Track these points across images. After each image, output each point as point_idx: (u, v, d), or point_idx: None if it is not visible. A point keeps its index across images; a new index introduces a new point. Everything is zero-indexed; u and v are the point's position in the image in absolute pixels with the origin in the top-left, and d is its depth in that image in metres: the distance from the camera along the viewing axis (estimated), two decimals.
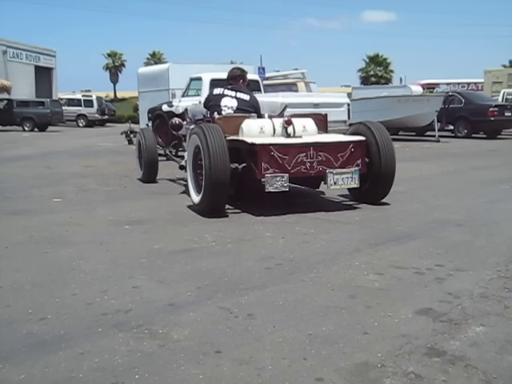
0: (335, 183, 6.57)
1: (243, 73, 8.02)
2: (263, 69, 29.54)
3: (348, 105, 14.80)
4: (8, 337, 3.14)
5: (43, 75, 45.57)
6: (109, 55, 76.36)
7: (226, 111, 7.39)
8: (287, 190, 6.40)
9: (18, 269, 4.46)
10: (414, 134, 22.80)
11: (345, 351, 2.92)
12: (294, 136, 6.87)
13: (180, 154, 9.33)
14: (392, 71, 65.26)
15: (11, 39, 42.78)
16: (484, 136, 21.68)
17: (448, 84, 34.30)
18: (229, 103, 7.48)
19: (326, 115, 8.07)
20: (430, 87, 32.60)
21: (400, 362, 2.79)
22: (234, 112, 7.39)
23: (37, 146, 18.92)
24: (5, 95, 33.65)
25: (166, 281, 4.10)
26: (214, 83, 15.35)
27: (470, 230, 5.71)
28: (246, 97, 7.63)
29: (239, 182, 6.78)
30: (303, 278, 4.16)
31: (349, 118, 14.76)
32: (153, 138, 9.37)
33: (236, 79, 7.90)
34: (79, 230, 5.89)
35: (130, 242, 5.30)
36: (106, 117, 40.30)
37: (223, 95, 7.57)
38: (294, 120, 7.03)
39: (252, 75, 18.26)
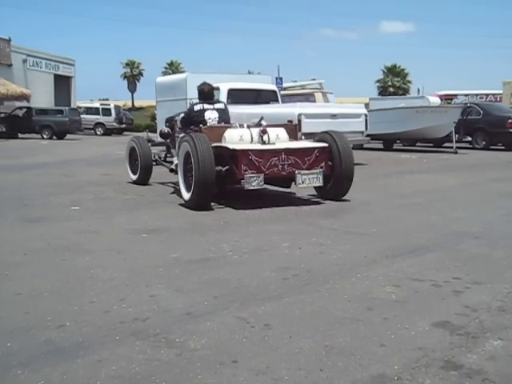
0: (303, 182, 7.75)
1: (213, 87, 9.35)
2: (281, 79, 29.51)
3: (366, 115, 14.76)
4: (27, 343, 3.17)
5: (62, 84, 45.93)
6: (127, 64, 76.77)
7: (210, 123, 8.52)
8: (263, 187, 7.72)
9: (37, 276, 4.50)
10: (431, 145, 22.70)
11: (361, 363, 2.92)
12: (268, 143, 7.98)
13: (168, 159, 10.29)
14: (410, 82, 64.99)
15: (31, 48, 43.17)
16: (502, 148, 21.53)
17: (466, 95, 34.16)
18: (211, 115, 8.66)
19: (296, 125, 9.42)
20: (447, 98, 32.47)
21: (417, 375, 2.78)
22: (218, 121, 8.60)
23: (55, 154, 19.07)
24: (24, 103, 33.94)
25: (184, 290, 4.12)
26: (232, 93, 15.47)
27: (487, 243, 5.67)
28: (222, 106, 8.98)
29: (222, 183, 7.79)
30: (320, 288, 4.16)
31: (366, 128, 14.72)
32: (147, 145, 10.35)
33: (210, 94, 9.12)
34: (97, 238, 5.93)
35: (147, 251, 5.33)
36: (123, 125, 40.51)
37: (205, 110, 8.71)
38: (268, 129, 8.16)
39: (269, 85, 18.34)
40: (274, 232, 6.14)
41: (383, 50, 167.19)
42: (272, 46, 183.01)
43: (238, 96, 15.48)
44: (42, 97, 39.62)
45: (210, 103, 8.84)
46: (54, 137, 31.63)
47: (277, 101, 16.36)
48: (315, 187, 8.28)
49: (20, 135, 31.69)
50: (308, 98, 22.51)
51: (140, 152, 10.17)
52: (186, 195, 7.77)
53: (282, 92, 21.89)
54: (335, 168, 8.04)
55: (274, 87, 17.94)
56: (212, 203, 7.75)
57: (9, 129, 30.98)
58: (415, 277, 4.44)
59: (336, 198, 8.22)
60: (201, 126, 8.21)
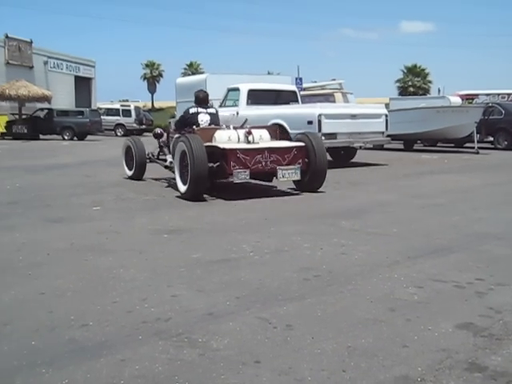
0: (283, 176, 8.84)
1: (207, 94, 10.26)
2: (300, 79, 29.52)
3: (386, 116, 14.67)
4: (51, 342, 3.20)
5: (83, 85, 46.31)
6: (147, 65, 77.16)
7: (202, 125, 9.63)
8: (249, 181, 8.88)
9: (60, 276, 4.54)
10: (452, 145, 22.53)
11: (384, 364, 2.91)
12: (253, 142, 9.02)
13: (161, 157, 11.25)
14: (430, 82, 64.60)
15: (52, 50, 43.59)
16: None
17: (487, 95, 33.80)
18: (204, 118, 9.77)
19: (277, 127, 10.68)
20: (469, 98, 32.15)
21: (440, 377, 2.76)
22: (209, 124, 9.70)
23: (76, 155, 19.20)
24: (45, 105, 34.20)
25: (205, 290, 4.13)
26: (252, 94, 15.49)
27: (510, 244, 5.62)
28: (214, 111, 10.05)
29: (213, 178, 8.73)
30: (342, 289, 4.15)
31: (387, 129, 14.64)
32: (142, 145, 11.29)
33: (205, 100, 10.10)
34: (119, 238, 5.97)
35: (168, 251, 5.35)
36: (143, 126, 40.64)
37: (198, 113, 9.82)
38: (253, 130, 9.21)
39: (289, 86, 18.33)
40: (294, 233, 6.13)
41: (403, 50, 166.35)
42: (292, 46, 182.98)
43: (258, 97, 15.50)
44: (63, 98, 39.96)
45: (203, 107, 9.93)
46: (75, 138, 31.83)
47: (297, 101, 16.35)
48: (294, 181, 9.31)
49: (41, 136, 31.92)
50: (328, 98, 22.45)
51: (135, 151, 11.04)
52: (183, 188, 8.71)
53: (302, 92, 21.87)
54: (311, 164, 9.15)
55: (293, 88, 17.93)
56: (205, 195, 8.70)
57: (30, 130, 31.20)
58: (437, 278, 4.42)
59: (312, 190, 9.31)
60: (194, 127, 9.32)
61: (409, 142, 21.81)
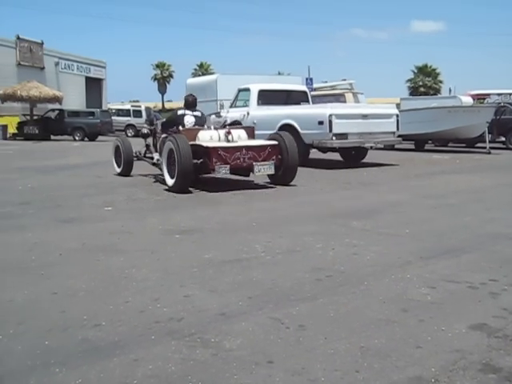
0: (259, 171, 9.92)
1: (195, 98, 11.34)
2: (311, 80, 29.48)
3: (397, 116, 14.62)
4: (64, 342, 3.21)
5: (93, 86, 46.47)
6: (157, 66, 77.45)
7: (188, 126, 10.63)
8: (229, 175, 10.00)
9: (72, 275, 4.55)
10: (464, 145, 22.43)
11: (397, 365, 2.89)
12: (232, 141, 10.05)
13: (147, 155, 12.25)
14: (441, 81, 64.53)
15: (63, 51, 43.75)
16: None
17: (499, 94, 33.61)
18: (189, 120, 10.79)
19: (253, 128, 11.30)
20: (480, 98, 31.98)
21: (454, 378, 2.75)
22: (194, 125, 10.68)
23: (87, 156, 19.27)
24: (56, 106, 34.34)
25: (218, 290, 4.13)
26: (262, 94, 15.49)
27: None
28: (199, 114, 11.05)
29: (197, 173, 9.73)
30: (354, 290, 4.14)
31: (398, 129, 14.58)
32: (130, 144, 12.21)
33: (193, 103, 11.14)
34: (130, 238, 5.98)
35: (180, 251, 5.35)
36: (154, 127, 40.71)
37: (185, 115, 10.88)
38: (232, 131, 10.30)
39: (300, 86, 18.31)
40: (306, 233, 6.12)
41: (414, 50, 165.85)
42: (302, 46, 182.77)
43: (269, 97, 15.51)
44: (74, 99, 40.09)
45: (190, 110, 11.00)
46: (86, 138, 31.97)
47: (307, 101, 16.33)
48: (268, 175, 10.40)
49: (52, 137, 32.08)
50: (338, 98, 22.39)
51: (123, 149, 11.96)
52: (170, 182, 9.66)
53: (313, 93, 21.84)
54: (283, 160, 10.20)
55: (304, 88, 17.92)
56: (190, 188, 9.58)
57: (42, 131, 31.35)
58: (450, 278, 4.40)
59: (285, 184, 10.33)
60: (180, 128, 10.37)
61: (420, 142, 21.74)
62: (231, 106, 15.89)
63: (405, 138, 16.77)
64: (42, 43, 39.56)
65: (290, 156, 10.21)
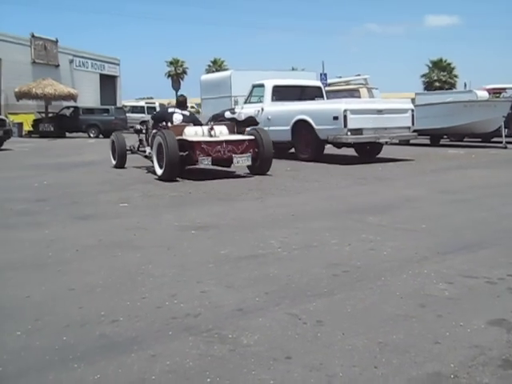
0: (238, 162, 11.07)
1: (186, 98, 12.82)
2: (325, 75, 29.40)
3: (412, 111, 14.52)
4: (82, 337, 3.22)
5: (108, 83, 46.64)
6: (171, 63, 77.57)
7: (175, 122, 11.74)
8: (211, 166, 11.05)
9: (89, 272, 4.57)
10: (479, 140, 22.24)
11: (416, 360, 2.88)
12: (214, 136, 11.14)
13: (140, 149, 13.22)
14: (456, 76, 64.09)
15: (77, 48, 43.95)
16: None
17: None
18: (177, 117, 11.88)
19: (234, 124, 12.60)
20: (496, 92, 31.70)
21: (474, 374, 2.73)
22: (181, 122, 11.73)
23: (102, 153, 19.24)
24: (71, 103, 34.54)
25: (234, 286, 4.13)
26: (277, 89, 15.47)
27: None
28: (187, 113, 12.30)
29: (183, 164, 10.85)
30: (371, 285, 4.12)
31: (413, 124, 14.49)
32: (123, 139, 13.28)
33: (183, 103, 12.53)
34: (146, 234, 6.00)
35: (196, 247, 5.36)
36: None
37: (174, 112, 12.00)
38: (214, 127, 11.44)
39: (314, 81, 18.26)
40: (322, 228, 6.10)
41: (428, 44, 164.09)
42: (316, 42, 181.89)
43: (283, 93, 15.47)
44: (89, 96, 40.30)
45: (180, 109, 12.15)
46: (101, 135, 32.07)
47: (322, 97, 16.28)
48: (247, 166, 11.42)
49: (67, 134, 32.28)
50: (353, 93, 22.26)
51: (117, 144, 13.14)
52: (159, 171, 10.86)
53: (327, 88, 21.75)
54: (259, 153, 11.30)
55: (318, 83, 17.87)
56: (177, 178, 10.62)
57: (57, 128, 31.55)
58: (468, 274, 4.37)
59: (262, 173, 11.43)
60: (168, 124, 11.65)
61: (435, 137, 21.57)
62: (245, 102, 15.88)
63: (420, 132, 16.67)
64: (57, 41, 39.76)
65: (266, 149, 11.38)
